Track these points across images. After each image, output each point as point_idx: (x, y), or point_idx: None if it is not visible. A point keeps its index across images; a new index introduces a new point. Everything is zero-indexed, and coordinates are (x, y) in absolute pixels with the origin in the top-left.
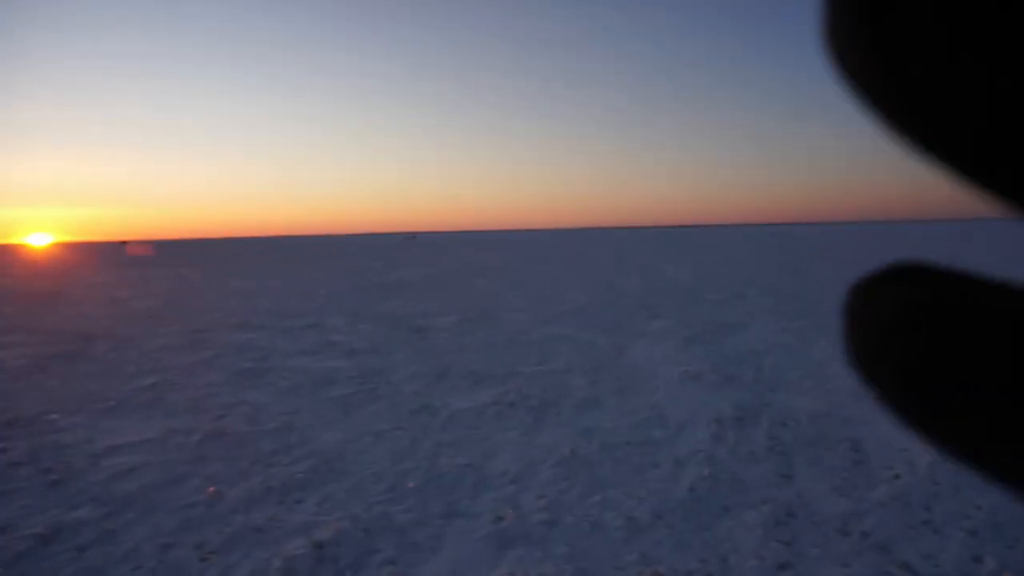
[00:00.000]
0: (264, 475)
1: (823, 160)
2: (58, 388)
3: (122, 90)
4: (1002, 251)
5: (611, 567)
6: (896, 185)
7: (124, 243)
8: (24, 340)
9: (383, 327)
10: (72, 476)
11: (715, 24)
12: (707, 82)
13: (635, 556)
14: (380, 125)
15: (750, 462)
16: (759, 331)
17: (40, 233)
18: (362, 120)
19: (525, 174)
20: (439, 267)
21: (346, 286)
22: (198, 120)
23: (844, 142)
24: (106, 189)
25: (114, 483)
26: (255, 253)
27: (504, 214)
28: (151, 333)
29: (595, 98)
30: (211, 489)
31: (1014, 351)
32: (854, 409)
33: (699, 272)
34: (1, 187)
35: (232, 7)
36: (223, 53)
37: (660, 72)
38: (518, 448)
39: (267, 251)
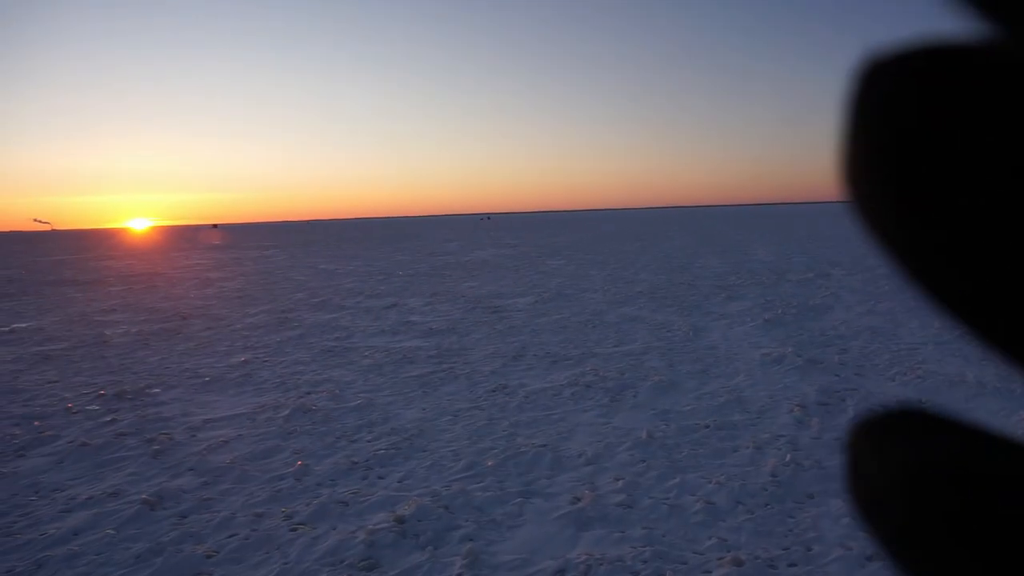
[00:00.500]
0: (348, 450)
1: None
2: (159, 364)
3: (212, 80)
4: None
5: (689, 551)
6: None
7: (215, 226)
8: (128, 318)
9: (460, 307)
10: (173, 447)
11: None
12: (792, 52)
13: (714, 541)
14: (455, 110)
15: (835, 449)
16: (845, 313)
17: (140, 218)
18: (440, 106)
19: (600, 154)
20: (514, 248)
21: (425, 267)
22: (282, 106)
23: None
24: (200, 175)
25: (210, 454)
26: (338, 235)
27: (579, 194)
28: (241, 313)
29: (673, 72)
30: (299, 463)
31: (1010, 516)
32: (947, 395)
33: (782, 251)
34: (106, 175)
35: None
36: (311, 42)
37: (740, 42)
38: (595, 430)
39: (349, 233)
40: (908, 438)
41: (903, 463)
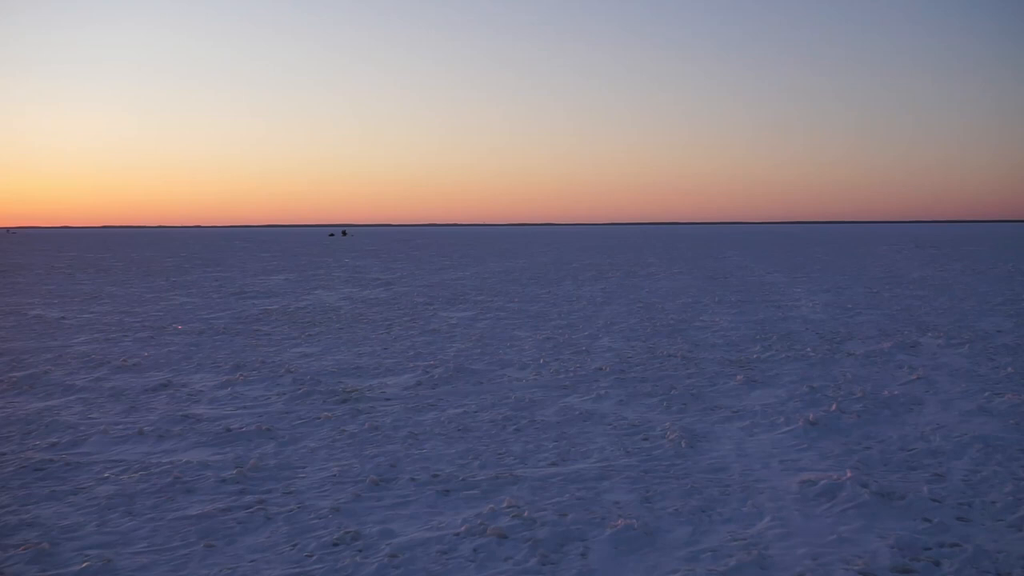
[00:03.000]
0: None
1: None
2: None
3: None
4: None
5: None
6: None
7: None
8: None
9: (285, 392)
10: None
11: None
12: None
13: None
14: (296, 95)
15: None
16: (941, 411)
17: None
18: (287, 111)
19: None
20: (387, 286)
21: (226, 317)
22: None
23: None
24: None
25: None
26: (76, 255)
27: (485, 203)
28: None
29: (600, 65)
30: None
31: None
32: None
33: (840, 301)
34: None
35: None
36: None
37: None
38: None
39: (93, 252)
40: None
41: None
